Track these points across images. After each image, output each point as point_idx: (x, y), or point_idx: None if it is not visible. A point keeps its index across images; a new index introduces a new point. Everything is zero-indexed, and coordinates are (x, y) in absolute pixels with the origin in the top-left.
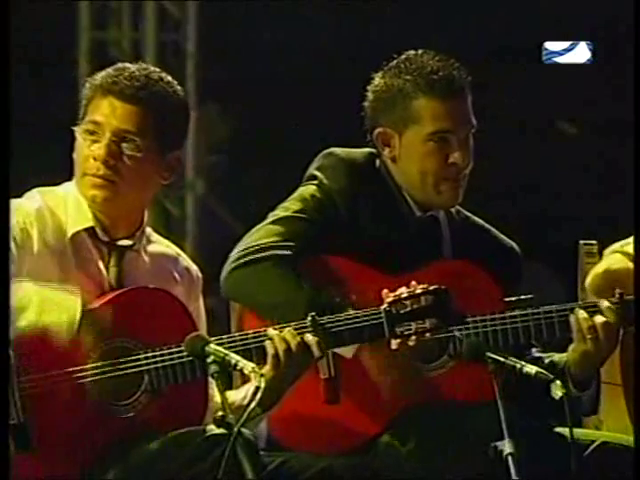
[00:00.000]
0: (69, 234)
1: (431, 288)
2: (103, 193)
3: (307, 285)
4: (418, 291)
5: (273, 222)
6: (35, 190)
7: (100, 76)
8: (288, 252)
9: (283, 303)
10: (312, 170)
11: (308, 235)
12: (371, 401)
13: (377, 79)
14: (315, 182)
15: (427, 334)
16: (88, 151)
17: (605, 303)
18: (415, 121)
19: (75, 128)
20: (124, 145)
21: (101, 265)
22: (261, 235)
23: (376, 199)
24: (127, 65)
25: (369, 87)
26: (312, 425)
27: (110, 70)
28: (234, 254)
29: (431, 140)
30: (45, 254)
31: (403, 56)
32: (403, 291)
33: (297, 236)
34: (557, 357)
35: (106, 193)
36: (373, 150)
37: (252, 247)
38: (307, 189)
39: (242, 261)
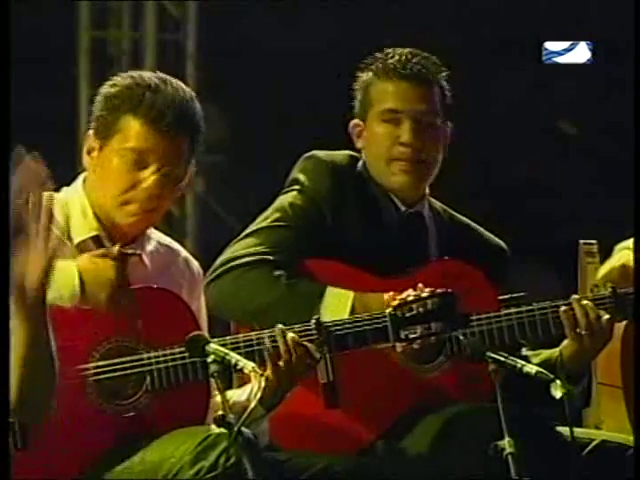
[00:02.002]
0: (75, 242)
1: (438, 291)
2: (142, 223)
3: (281, 284)
4: (424, 295)
5: (250, 234)
6: None
7: (139, 100)
8: (260, 257)
9: (259, 308)
10: (295, 174)
11: (289, 241)
12: (372, 404)
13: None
14: (297, 187)
15: (432, 338)
16: (129, 176)
17: (598, 297)
18: (372, 103)
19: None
20: (167, 178)
21: None
22: (236, 248)
23: (361, 198)
24: (168, 96)
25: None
26: (313, 427)
27: (149, 96)
28: (210, 270)
29: (383, 120)
30: None
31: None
32: (410, 294)
33: (276, 244)
34: (548, 353)
35: (145, 223)
36: (353, 153)
37: (224, 260)
38: (287, 196)
39: (214, 274)
